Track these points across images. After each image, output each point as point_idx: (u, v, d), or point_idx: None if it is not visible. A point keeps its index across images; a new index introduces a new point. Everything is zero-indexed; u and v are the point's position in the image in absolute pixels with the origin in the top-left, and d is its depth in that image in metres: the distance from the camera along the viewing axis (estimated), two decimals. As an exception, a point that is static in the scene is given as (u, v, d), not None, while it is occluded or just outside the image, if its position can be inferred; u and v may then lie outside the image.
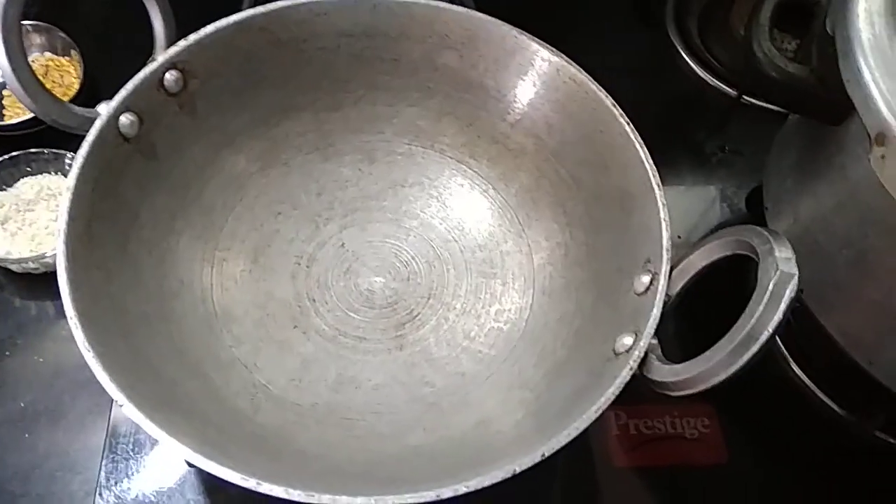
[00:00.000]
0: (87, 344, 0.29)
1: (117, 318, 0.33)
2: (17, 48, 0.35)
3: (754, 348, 0.28)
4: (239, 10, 0.40)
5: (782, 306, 0.28)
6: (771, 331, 0.28)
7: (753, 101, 0.58)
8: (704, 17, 0.65)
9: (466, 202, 0.45)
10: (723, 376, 0.28)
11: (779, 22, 0.40)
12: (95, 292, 0.33)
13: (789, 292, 0.28)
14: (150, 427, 0.28)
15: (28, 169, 0.49)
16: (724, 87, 0.60)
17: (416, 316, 0.42)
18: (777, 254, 0.29)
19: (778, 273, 0.28)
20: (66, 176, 0.48)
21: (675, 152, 0.57)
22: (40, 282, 0.46)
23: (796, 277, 0.28)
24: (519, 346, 0.40)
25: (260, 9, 0.39)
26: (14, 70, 0.35)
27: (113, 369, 0.29)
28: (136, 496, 0.39)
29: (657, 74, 0.62)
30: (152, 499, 0.39)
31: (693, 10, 0.65)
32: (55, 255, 0.44)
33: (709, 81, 0.61)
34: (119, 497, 0.39)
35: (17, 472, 0.41)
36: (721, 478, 0.44)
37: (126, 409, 0.28)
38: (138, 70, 0.37)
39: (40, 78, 0.37)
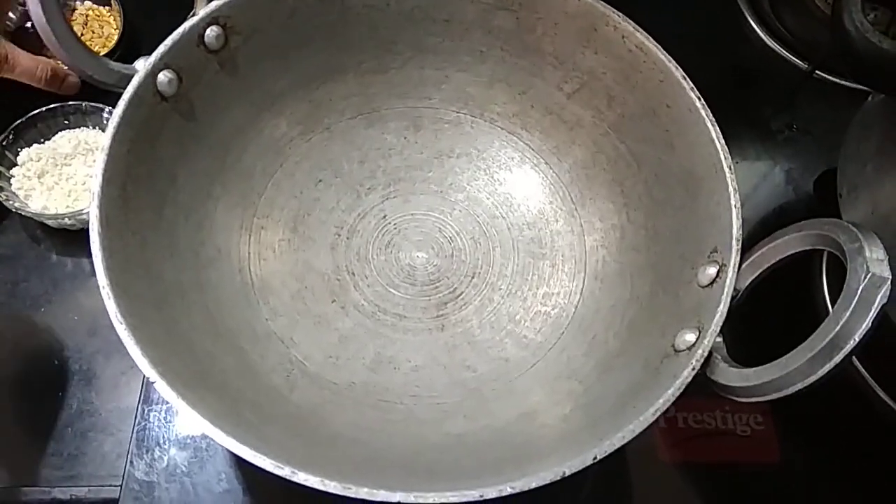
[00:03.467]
0: (119, 316, 0.28)
1: (151, 287, 0.32)
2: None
3: (837, 358, 0.25)
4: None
5: (872, 313, 0.25)
6: (858, 339, 0.25)
7: (827, 76, 0.54)
8: (776, -18, 0.60)
9: (516, 176, 0.43)
10: (799, 386, 0.26)
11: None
12: (129, 260, 0.31)
13: (880, 298, 0.25)
14: (182, 406, 0.27)
15: (66, 122, 0.48)
16: (794, 59, 0.56)
17: (459, 295, 0.40)
18: (868, 254, 0.26)
19: (869, 276, 0.26)
20: (103, 130, 0.47)
21: (738, 127, 0.54)
22: (77, 238, 0.46)
23: (889, 282, 0.26)
24: (567, 332, 0.38)
25: None
26: (48, 20, 0.33)
27: (146, 343, 0.28)
28: (167, 465, 0.39)
29: (722, 43, 0.58)
30: (183, 469, 0.39)
31: (764, -26, 0.60)
32: None
33: (778, 52, 0.56)
34: (150, 465, 0.39)
35: (50, 430, 0.40)
36: (771, 478, 0.42)
37: (158, 386, 0.27)
38: (178, 24, 0.35)
39: (79, 29, 0.35)
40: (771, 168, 0.52)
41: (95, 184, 0.31)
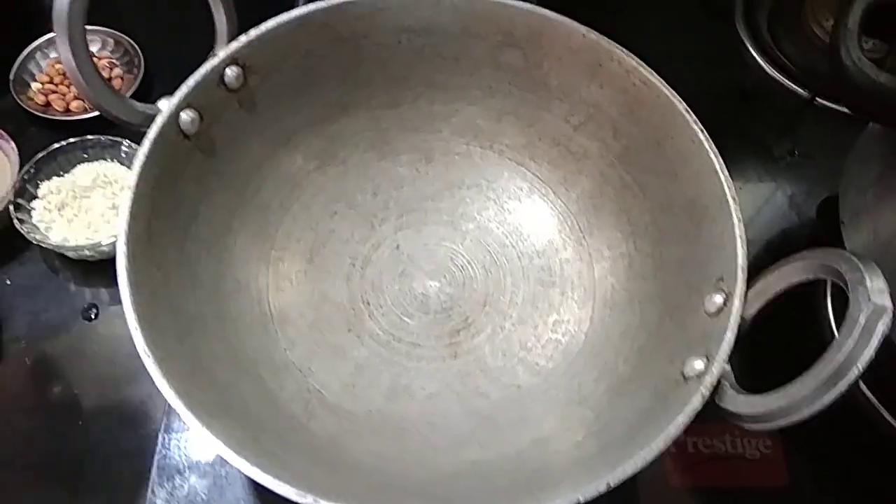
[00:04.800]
0: (147, 349, 0.29)
1: (175, 320, 0.33)
2: (80, 42, 0.34)
3: (842, 386, 0.26)
4: (294, 5, 0.39)
5: (874, 342, 0.26)
6: (861, 368, 0.26)
7: (827, 103, 0.55)
8: (775, 11, 0.62)
9: (525, 206, 0.44)
10: (805, 414, 0.27)
11: (867, 26, 0.38)
12: (154, 294, 0.32)
13: (882, 327, 0.26)
14: (207, 437, 0.28)
15: (85, 155, 0.49)
16: (794, 86, 0.57)
17: (471, 323, 0.41)
18: (869, 284, 0.27)
19: (871, 306, 0.27)
20: (122, 163, 0.49)
21: (740, 153, 0.55)
22: (95, 268, 0.47)
23: (890, 311, 0.26)
24: (578, 359, 0.39)
25: (321, 3, 0.38)
26: (77, 63, 0.35)
27: (172, 375, 0.29)
28: (188, 492, 0.39)
29: (723, 70, 0.60)
30: (203, 496, 0.39)
31: (763, 3, 0.62)
32: (111, 243, 0.45)
33: (778, 80, 0.58)
34: (171, 493, 0.39)
35: (71, 457, 0.41)
36: (780, 502, 0.42)
37: (184, 417, 0.28)
38: (193, 66, 0.36)
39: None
40: (773, 193, 0.53)
41: (122, 221, 0.32)
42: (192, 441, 0.41)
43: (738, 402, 0.29)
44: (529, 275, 0.42)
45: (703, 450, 0.42)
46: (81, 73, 0.35)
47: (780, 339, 0.42)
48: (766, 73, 0.58)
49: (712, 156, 0.36)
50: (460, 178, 0.44)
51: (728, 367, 0.31)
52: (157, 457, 0.40)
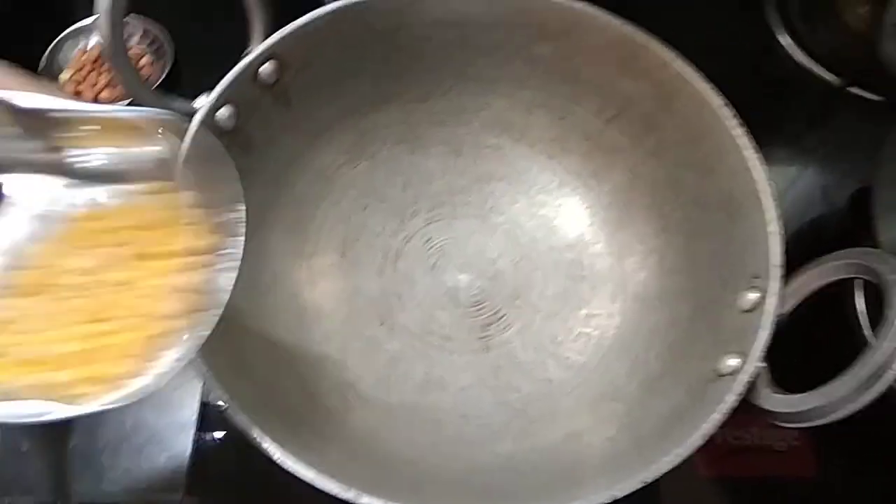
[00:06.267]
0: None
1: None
2: (119, 38, 0.35)
3: (879, 387, 0.26)
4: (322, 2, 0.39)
5: (913, 344, 0.26)
6: (900, 370, 0.26)
7: (860, 91, 0.55)
8: (808, -1, 0.61)
9: (555, 199, 0.44)
10: (842, 414, 0.27)
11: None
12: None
13: (922, 329, 0.26)
14: (254, 432, 0.28)
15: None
16: (827, 75, 0.56)
17: (502, 317, 0.41)
18: (908, 285, 0.27)
19: (910, 308, 0.27)
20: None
21: (772, 143, 0.54)
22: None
23: (930, 314, 0.26)
24: (609, 354, 0.39)
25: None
26: (115, 62, 0.35)
27: (217, 372, 0.30)
28: (225, 479, 0.40)
29: (753, 58, 0.59)
30: (239, 479, 0.40)
31: (796, -11, 0.61)
32: None
33: (810, 69, 0.57)
34: (207, 478, 0.40)
35: (106, 444, 0.42)
36: (808, 493, 0.42)
37: (230, 412, 0.29)
38: (222, 54, 0.36)
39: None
40: (806, 184, 0.53)
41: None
42: (230, 429, 0.41)
43: (775, 401, 0.29)
44: (560, 268, 0.42)
45: (731, 441, 0.43)
46: (122, 73, 0.35)
47: (808, 335, 0.42)
48: (798, 62, 0.57)
49: (750, 151, 0.35)
50: (490, 171, 0.45)
51: (763, 365, 0.31)
52: (194, 447, 0.41)
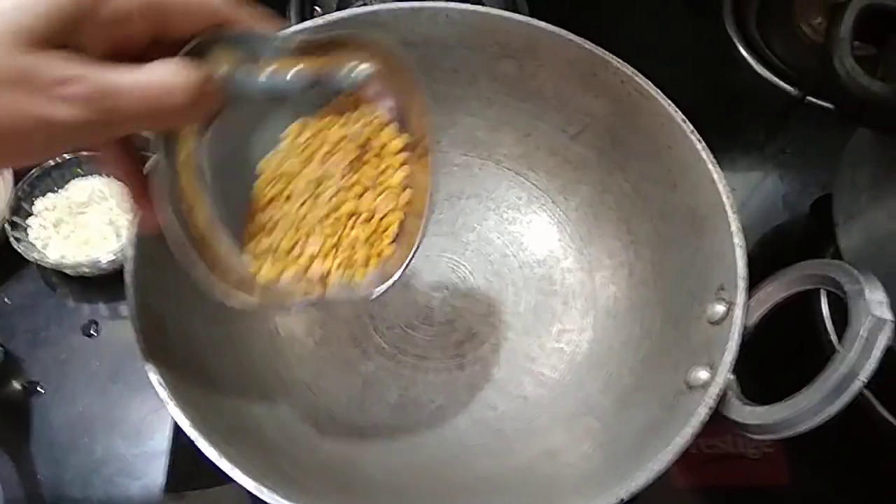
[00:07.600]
0: (161, 380, 0.29)
1: (186, 345, 0.33)
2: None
3: (845, 398, 0.27)
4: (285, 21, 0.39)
5: (876, 354, 0.27)
6: (864, 380, 0.27)
7: (818, 101, 0.56)
8: (764, 9, 0.62)
9: (524, 216, 0.44)
10: (809, 424, 0.28)
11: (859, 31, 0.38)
12: (163, 320, 0.32)
13: (883, 340, 0.27)
14: (226, 466, 0.28)
15: (79, 171, 0.49)
16: (784, 84, 0.58)
17: (476, 334, 0.41)
18: (868, 296, 0.28)
19: (871, 319, 0.27)
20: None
21: (731, 152, 0.55)
22: (93, 284, 0.47)
23: (890, 324, 0.27)
24: (582, 369, 0.39)
25: (318, 20, 0.38)
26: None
27: (186, 404, 0.29)
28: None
29: (712, 69, 0.60)
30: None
31: (752, 1, 0.62)
32: (110, 260, 0.45)
33: (769, 79, 0.58)
34: (181, 507, 0.39)
35: (77, 476, 0.41)
36: (781, 500, 0.43)
37: (200, 445, 0.28)
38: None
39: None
40: (767, 192, 0.54)
41: (129, 252, 0.32)
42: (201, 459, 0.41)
43: (744, 413, 0.30)
44: (531, 284, 0.43)
45: (705, 450, 0.43)
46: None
47: (775, 344, 0.43)
48: (756, 72, 0.59)
49: (710, 166, 0.36)
50: (459, 188, 0.45)
51: (732, 377, 0.31)
52: (168, 475, 0.40)
